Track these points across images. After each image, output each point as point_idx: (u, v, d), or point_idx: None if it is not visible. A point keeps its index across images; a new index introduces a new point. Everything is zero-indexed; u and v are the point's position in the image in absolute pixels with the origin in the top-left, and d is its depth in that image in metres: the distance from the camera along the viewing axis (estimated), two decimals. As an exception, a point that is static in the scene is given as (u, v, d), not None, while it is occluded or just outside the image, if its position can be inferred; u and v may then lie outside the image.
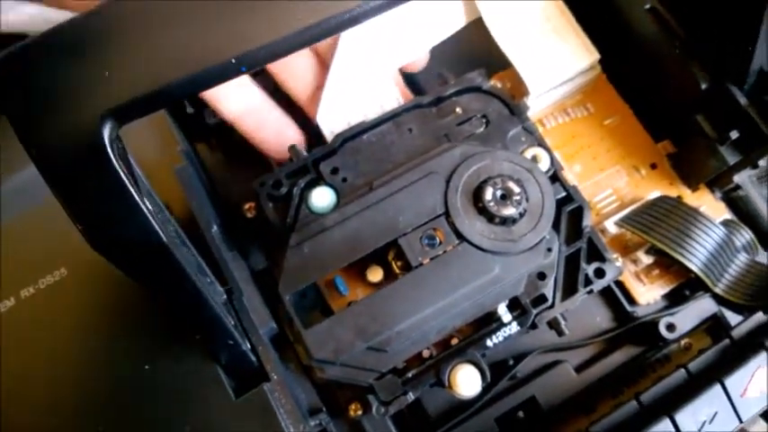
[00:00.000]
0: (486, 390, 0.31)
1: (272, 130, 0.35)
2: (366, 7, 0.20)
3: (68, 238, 0.29)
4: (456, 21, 0.37)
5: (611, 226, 0.35)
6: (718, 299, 0.34)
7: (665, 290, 0.35)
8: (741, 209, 0.37)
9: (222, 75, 0.20)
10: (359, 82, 0.36)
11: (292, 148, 0.33)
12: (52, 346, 0.28)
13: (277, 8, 0.19)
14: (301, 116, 0.36)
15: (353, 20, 0.20)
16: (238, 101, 0.35)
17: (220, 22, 0.19)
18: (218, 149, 0.38)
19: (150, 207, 0.21)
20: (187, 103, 0.37)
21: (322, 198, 0.31)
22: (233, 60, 0.19)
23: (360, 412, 0.30)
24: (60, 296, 0.28)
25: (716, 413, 0.27)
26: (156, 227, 0.20)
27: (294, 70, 0.36)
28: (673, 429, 0.27)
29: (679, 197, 0.36)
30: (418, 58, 0.37)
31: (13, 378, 0.27)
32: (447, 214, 0.30)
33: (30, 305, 0.28)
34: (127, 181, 0.20)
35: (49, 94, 0.19)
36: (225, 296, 0.28)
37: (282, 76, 0.36)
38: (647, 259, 0.34)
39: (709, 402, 0.27)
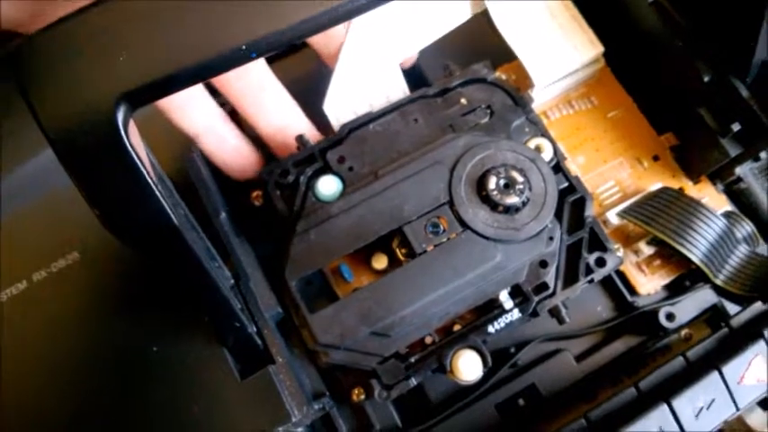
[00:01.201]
0: (487, 377, 0.32)
1: (230, 149, 0.34)
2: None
3: (80, 224, 0.30)
4: (462, 13, 0.37)
5: (613, 217, 0.35)
6: (719, 290, 0.35)
7: (666, 280, 0.35)
8: (743, 201, 0.37)
9: (232, 60, 0.20)
10: (366, 72, 0.36)
11: (299, 137, 0.33)
12: (62, 328, 0.28)
13: (286, -4, 0.20)
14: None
15: (358, 9, 0.20)
16: (198, 119, 0.34)
17: (231, 9, 0.20)
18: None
19: (163, 191, 0.22)
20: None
21: (328, 186, 0.32)
22: (243, 47, 0.20)
23: (363, 397, 0.30)
24: (72, 280, 0.29)
25: (713, 400, 0.28)
26: (168, 209, 0.21)
27: (262, 104, 0.35)
28: (670, 415, 0.27)
29: (681, 189, 0.37)
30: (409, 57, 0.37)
31: (25, 359, 0.28)
32: (451, 203, 0.31)
33: (42, 288, 0.29)
34: (140, 164, 0.20)
35: (64, 80, 0.20)
36: (232, 280, 0.29)
37: (250, 111, 0.35)
38: (648, 250, 0.35)
39: (706, 389, 0.28)
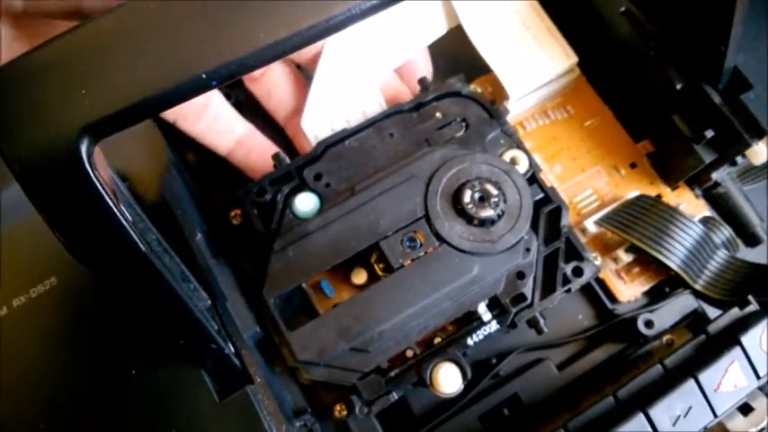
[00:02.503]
0: (469, 388, 0.32)
1: (258, 156, 0.36)
2: (330, 23, 0.20)
3: (58, 249, 0.30)
4: (437, 27, 0.38)
5: (591, 225, 0.36)
6: (699, 295, 0.35)
7: (646, 287, 0.35)
8: (721, 206, 0.37)
9: (193, 89, 0.21)
10: (342, 88, 0.37)
11: (276, 156, 0.34)
12: (42, 352, 0.29)
13: (243, 24, 0.20)
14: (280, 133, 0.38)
15: (319, 34, 0.21)
16: (227, 136, 0.36)
17: (190, 39, 0.20)
18: (204, 157, 0.39)
19: (129, 218, 0.22)
20: (175, 113, 0.38)
21: (305, 203, 0.32)
22: (203, 75, 0.20)
23: (345, 413, 0.31)
24: (50, 305, 0.29)
25: (690, 408, 0.28)
26: (135, 237, 0.21)
27: (271, 89, 0.37)
28: (647, 424, 0.27)
29: (659, 196, 0.37)
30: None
31: (5, 384, 0.28)
32: (427, 217, 0.31)
33: (21, 313, 0.29)
34: (105, 194, 0.20)
35: (27, 113, 0.20)
36: (209, 302, 0.29)
37: (258, 94, 0.37)
38: (627, 257, 0.35)
39: (682, 397, 0.28)
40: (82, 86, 0.20)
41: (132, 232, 0.21)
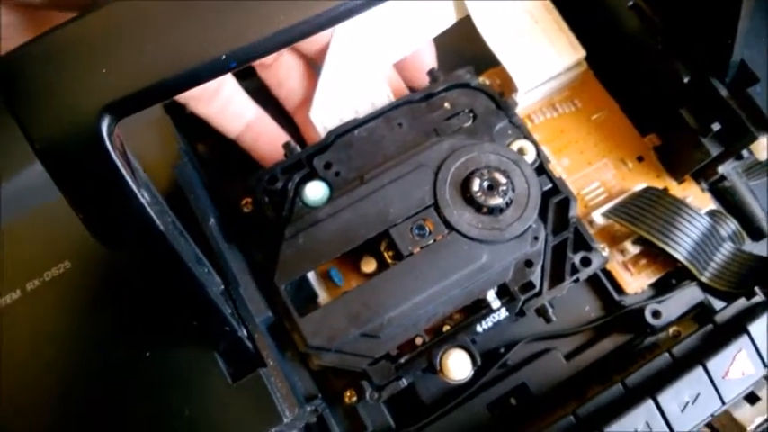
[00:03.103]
0: (477, 377, 0.32)
1: (266, 141, 0.37)
2: (347, 6, 0.21)
3: (72, 233, 0.30)
4: (446, 19, 0.38)
5: (598, 217, 0.36)
6: (705, 287, 0.35)
7: (653, 279, 0.36)
8: (727, 199, 0.38)
9: (214, 71, 0.21)
10: (350, 79, 0.37)
11: (286, 145, 0.34)
12: (56, 335, 0.29)
13: (264, 8, 0.20)
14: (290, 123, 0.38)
15: (335, 18, 0.21)
16: (237, 120, 0.37)
17: (211, 21, 0.20)
18: (216, 147, 0.40)
19: (148, 198, 0.22)
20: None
21: (316, 192, 0.32)
22: (223, 57, 0.21)
23: (354, 398, 0.31)
24: (64, 288, 0.29)
25: (698, 394, 0.28)
26: (153, 216, 0.21)
27: (282, 78, 0.37)
28: (656, 410, 0.27)
29: (666, 189, 0.37)
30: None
31: (18, 367, 0.28)
32: (436, 205, 0.31)
33: (35, 297, 0.29)
34: (125, 172, 0.21)
35: (50, 92, 0.20)
36: (222, 286, 0.29)
37: (269, 82, 0.38)
38: (634, 249, 0.35)
39: (691, 384, 0.28)
40: (103, 66, 0.20)
41: (151, 212, 0.21)
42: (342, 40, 0.36)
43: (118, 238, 0.21)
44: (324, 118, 0.36)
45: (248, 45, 0.21)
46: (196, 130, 0.39)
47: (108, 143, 0.20)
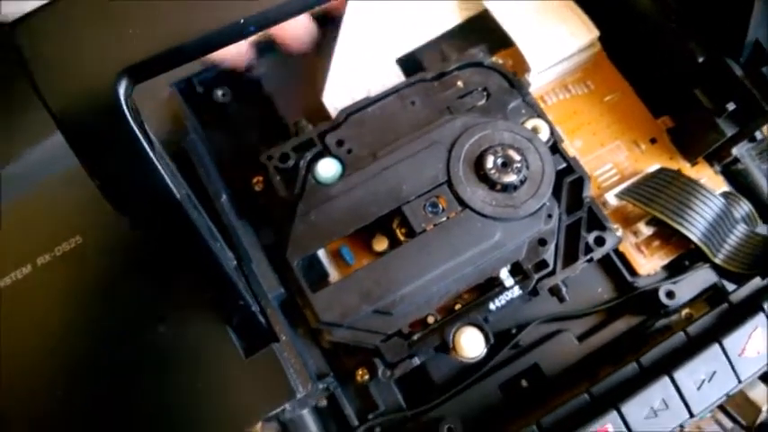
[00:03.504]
0: (489, 357, 0.32)
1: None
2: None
3: (84, 208, 0.30)
4: (461, 12, 0.38)
5: (611, 198, 0.35)
6: (718, 269, 0.35)
7: (666, 261, 0.35)
8: (740, 182, 0.37)
9: (231, 35, 0.21)
10: (363, 64, 0.37)
11: (298, 122, 0.34)
12: (66, 310, 0.29)
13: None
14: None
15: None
16: None
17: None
18: (225, 129, 0.39)
19: (163, 166, 0.22)
20: (197, 83, 0.38)
21: (328, 169, 0.32)
22: (242, 21, 0.20)
23: (366, 377, 0.31)
24: (76, 262, 0.29)
25: (714, 372, 0.28)
26: (170, 184, 0.21)
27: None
28: (672, 387, 0.27)
29: (679, 171, 0.37)
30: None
31: (31, 340, 0.28)
32: (449, 182, 0.31)
33: (46, 272, 0.29)
34: (141, 137, 0.21)
35: (66, 55, 0.20)
36: (235, 262, 0.29)
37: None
38: (647, 230, 0.35)
39: (707, 362, 0.28)
40: (122, 29, 0.20)
41: (168, 179, 0.21)
42: (353, 25, 0.36)
43: (134, 205, 0.21)
44: (336, 102, 0.36)
45: (267, 10, 0.21)
46: (207, 109, 0.39)
47: (125, 107, 0.20)
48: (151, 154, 0.21)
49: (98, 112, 0.20)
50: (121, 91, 0.20)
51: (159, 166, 0.21)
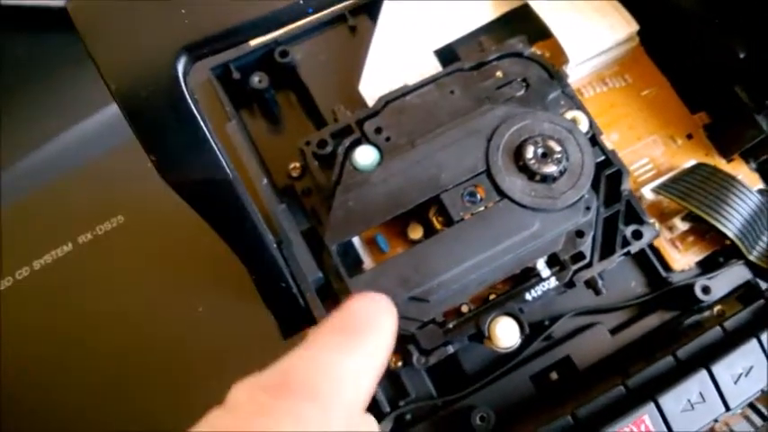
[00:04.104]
0: (522, 348, 0.32)
1: None
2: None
3: (126, 188, 0.30)
4: (495, 10, 0.38)
5: (647, 193, 0.35)
6: (753, 266, 0.35)
7: (700, 257, 0.35)
8: (776, 180, 0.37)
9: (291, 16, 0.21)
10: (400, 54, 0.37)
11: (336, 109, 0.34)
12: (108, 287, 0.29)
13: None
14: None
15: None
16: None
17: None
18: (261, 115, 0.40)
19: (221, 146, 0.22)
20: (233, 69, 0.38)
21: (366, 156, 0.32)
22: (301, 1, 0.21)
23: (400, 364, 0.31)
24: (117, 241, 0.29)
25: (752, 367, 0.28)
26: (223, 161, 0.21)
27: None
28: (710, 381, 0.27)
29: (716, 167, 0.37)
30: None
31: (73, 316, 0.28)
32: (488, 172, 0.31)
33: (87, 250, 0.29)
34: (198, 114, 0.21)
35: (125, 30, 0.20)
36: (275, 244, 0.29)
37: None
38: (682, 226, 0.35)
39: (744, 356, 0.28)
40: (183, 6, 0.20)
41: (221, 156, 0.21)
42: (391, 16, 0.36)
43: (187, 180, 0.21)
44: (373, 92, 0.36)
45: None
46: (243, 96, 0.39)
47: (183, 84, 0.20)
48: (207, 132, 0.21)
49: (157, 89, 0.20)
50: (180, 68, 0.20)
51: (214, 145, 0.21)
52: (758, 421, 0.35)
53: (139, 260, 0.29)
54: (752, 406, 0.35)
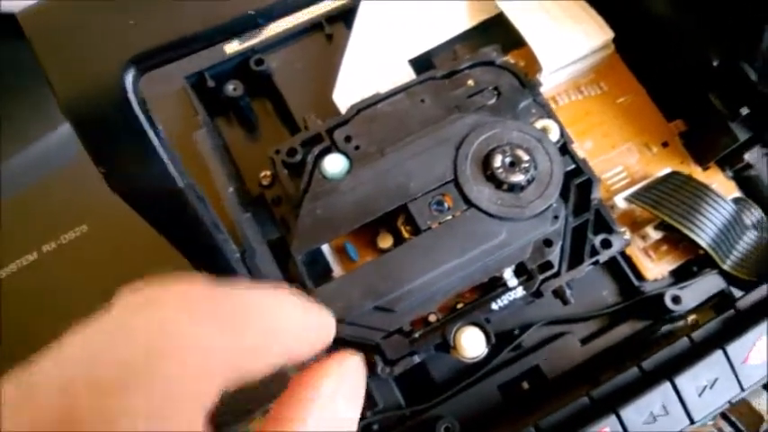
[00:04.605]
0: (490, 357, 0.32)
1: None
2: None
3: (90, 198, 0.30)
4: (477, 14, 0.38)
5: (620, 202, 0.35)
6: (726, 276, 0.35)
7: (673, 266, 0.35)
8: (752, 188, 0.37)
9: (242, 26, 0.21)
10: (375, 63, 0.37)
11: (307, 118, 0.34)
12: (71, 297, 0.29)
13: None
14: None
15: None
16: None
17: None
18: (237, 123, 0.40)
19: (168, 155, 0.22)
20: (208, 77, 0.38)
21: (335, 164, 0.32)
22: (253, 12, 0.21)
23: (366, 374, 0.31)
24: (81, 250, 0.29)
25: (717, 379, 0.27)
26: (173, 172, 0.21)
27: None
28: (673, 393, 0.27)
29: (689, 175, 0.37)
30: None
31: (33, 327, 0.28)
32: (456, 180, 0.31)
33: (51, 259, 0.29)
34: (147, 126, 0.21)
35: (77, 45, 0.20)
36: (238, 254, 0.29)
37: None
38: (655, 235, 0.35)
39: (709, 368, 0.27)
40: (131, 19, 0.20)
41: (171, 167, 0.21)
42: (366, 25, 0.36)
43: (138, 192, 0.21)
44: (346, 100, 0.36)
45: (276, 2, 0.21)
46: (217, 104, 0.39)
47: (132, 95, 0.20)
48: (155, 141, 0.21)
49: (105, 100, 0.20)
50: (128, 80, 0.20)
51: (163, 154, 0.21)
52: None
53: (103, 269, 0.29)
54: (725, 417, 0.35)
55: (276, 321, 0.16)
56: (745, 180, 0.37)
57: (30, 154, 0.33)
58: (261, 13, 0.21)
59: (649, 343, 0.33)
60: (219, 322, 0.15)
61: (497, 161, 0.31)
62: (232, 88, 0.38)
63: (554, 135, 0.33)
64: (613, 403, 0.27)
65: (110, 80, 0.20)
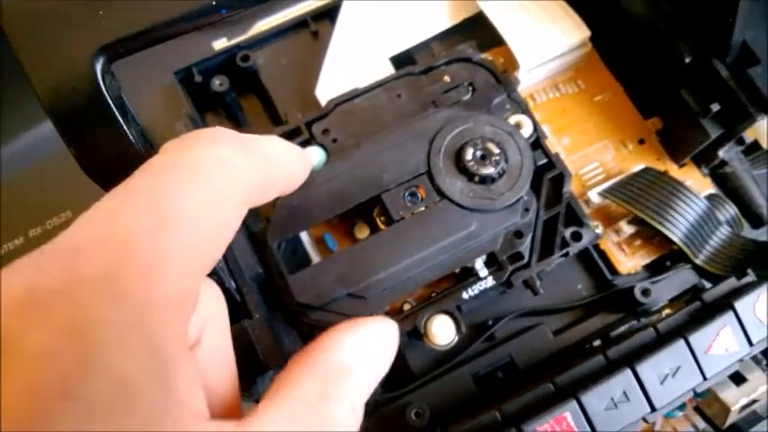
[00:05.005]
0: (465, 346, 0.33)
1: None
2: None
3: (75, 184, 0.31)
4: (458, 13, 0.39)
5: (594, 196, 0.36)
6: (699, 270, 0.35)
7: (647, 260, 0.36)
8: (727, 185, 0.38)
9: (203, 17, 0.22)
10: (356, 60, 0.38)
11: (288, 112, 0.35)
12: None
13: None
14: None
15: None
16: None
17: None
18: (226, 118, 0.41)
19: (142, 141, 0.23)
20: (196, 73, 0.39)
21: (312, 156, 0.33)
22: (214, 2, 0.21)
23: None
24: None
25: (678, 367, 0.28)
26: (142, 151, 0.22)
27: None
28: (634, 380, 0.27)
29: (665, 172, 0.37)
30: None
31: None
32: (429, 173, 0.32)
33: (37, 244, 0.30)
34: (117, 111, 0.22)
35: (50, 35, 0.21)
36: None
37: None
38: (629, 229, 0.35)
39: (671, 356, 0.28)
40: (100, 9, 0.21)
41: (141, 150, 0.22)
42: (349, 22, 0.37)
43: (107, 174, 0.22)
44: (328, 95, 0.37)
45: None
46: (205, 99, 0.40)
47: (101, 82, 0.21)
48: (125, 127, 0.22)
49: (77, 87, 0.21)
50: (98, 68, 0.21)
51: (132, 138, 0.22)
52: (702, 424, 0.35)
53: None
54: (697, 409, 0.35)
55: (276, 153, 0.22)
56: (720, 177, 0.38)
57: (21, 142, 0.34)
58: (223, 3, 0.21)
59: (620, 336, 0.34)
60: (239, 148, 0.19)
61: (469, 154, 0.31)
62: (218, 83, 0.39)
63: (527, 130, 0.33)
64: (576, 390, 0.28)
65: (81, 67, 0.21)
